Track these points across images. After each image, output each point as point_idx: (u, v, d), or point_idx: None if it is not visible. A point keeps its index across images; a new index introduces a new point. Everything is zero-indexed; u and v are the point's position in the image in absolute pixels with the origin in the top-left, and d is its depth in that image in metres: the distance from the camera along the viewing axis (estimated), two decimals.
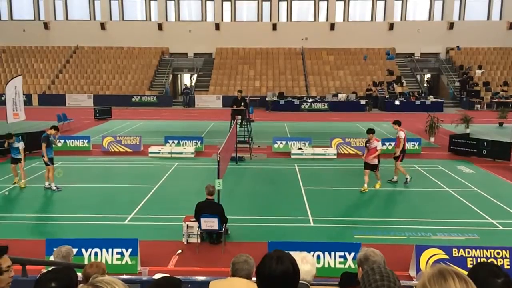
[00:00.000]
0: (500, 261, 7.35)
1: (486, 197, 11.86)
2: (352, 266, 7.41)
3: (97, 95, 35.92)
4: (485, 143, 16.55)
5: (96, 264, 4.50)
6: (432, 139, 19.73)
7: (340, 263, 7.53)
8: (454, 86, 37.34)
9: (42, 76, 38.15)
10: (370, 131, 12.30)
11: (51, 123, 23.28)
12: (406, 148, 13.28)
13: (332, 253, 7.55)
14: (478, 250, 7.47)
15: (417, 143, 17.74)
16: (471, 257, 7.41)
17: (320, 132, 21.67)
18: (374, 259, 3.46)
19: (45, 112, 29.00)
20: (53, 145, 12.85)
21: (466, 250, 7.48)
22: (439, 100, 33.98)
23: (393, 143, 17.61)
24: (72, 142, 17.83)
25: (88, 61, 40.02)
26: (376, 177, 12.50)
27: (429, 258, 7.42)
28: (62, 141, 17.43)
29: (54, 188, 12.28)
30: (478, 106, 33.55)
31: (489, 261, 7.29)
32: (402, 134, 12.71)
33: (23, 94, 23.71)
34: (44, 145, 12.26)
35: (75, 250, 7.33)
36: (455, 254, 7.44)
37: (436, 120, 19.71)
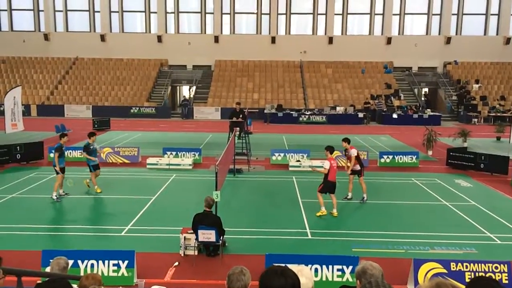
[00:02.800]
0: (499, 276, 7.33)
1: (484, 211, 11.86)
2: (350, 279, 7.38)
3: (96, 106, 35.96)
4: (482, 157, 16.58)
5: (92, 276, 4.48)
6: (430, 153, 19.77)
7: (338, 276, 7.49)
8: (452, 100, 37.53)
9: (41, 87, 38.22)
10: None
11: (49, 134, 23.36)
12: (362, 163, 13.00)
13: (330, 266, 7.52)
14: (476, 264, 7.45)
15: (415, 156, 17.78)
16: (469, 271, 7.39)
17: (318, 145, 21.68)
18: (371, 272, 3.46)
19: (44, 123, 29.00)
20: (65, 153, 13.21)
21: (464, 264, 7.45)
22: (436, 113, 34.14)
23: (390, 157, 17.70)
24: (70, 153, 17.76)
25: (87, 72, 40.15)
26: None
27: (427, 272, 7.40)
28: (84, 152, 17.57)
29: (55, 197, 12.25)
30: (476, 120, 33.68)
31: (487, 275, 7.27)
32: (354, 152, 12.58)
33: (22, 105, 23.78)
34: (57, 154, 12.35)
35: (71, 262, 7.28)
36: (453, 268, 7.42)
37: (433, 133, 19.77)
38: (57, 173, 12.41)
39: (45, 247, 7.97)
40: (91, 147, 12.84)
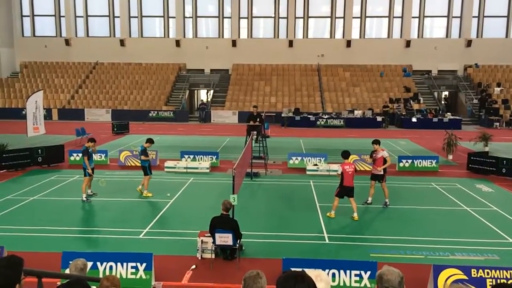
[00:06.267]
0: None
1: (506, 216, 11.61)
2: (368, 285, 7.30)
3: (115, 110, 36.44)
4: (504, 161, 16.26)
5: (111, 278, 4.52)
6: (450, 157, 19.47)
7: (355, 281, 7.41)
8: (473, 103, 36.93)
9: (62, 91, 38.92)
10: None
11: (70, 137, 23.77)
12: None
13: (348, 272, 7.44)
14: (498, 271, 7.29)
15: (435, 160, 17.52)
16: (490, 278, 7.24)
17: (335, 149, 21.55)
18: (387, 277, 3.43)
19: (64, 126, 29.51)
20: (93, 155, 13.40)
21: (486, 270, 7.30)
22: (457, 117, 33.60)
23: (410, 161, 17.49)
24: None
25: (107, 77, 40.76)
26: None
27: (447, 279, 7.27)
28: (102, 155, 17.97)
29: (85, 199, 12.64)
30: (497, 124, 33.07)
31: (509, 282, 7.11)
32: (385, 153, 12.42)
33: (44, 109, 24.22)
34: (86, 157, 12.70)
35: (90, 264, 7.38)
36: (474, 274, 7.28)
37: (454, 137, 19.47)
38: (89, 174, 12.77)
39: (66, 249, 8.08)
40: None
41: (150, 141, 13.68)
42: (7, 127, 29.34)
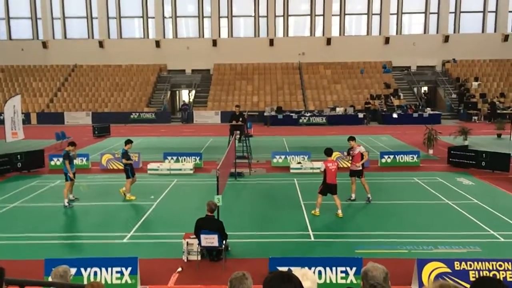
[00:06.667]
0: (503, 274, 7.31)
1: (486, 208, 11.83)
2: (354, 281, 7.36)
3: (96, 112, 36.00)
4: (484, 154, 16.57)
5: (96, 284, 4.45)
6: (431, 151, 19.76)
7: (341, 278, 7.46)
8: (451, 98, 37.54)
9: (41, 95, 38.27)
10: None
11: (50, 141, 23.38)
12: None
13: (334, 269, 7.49)
14: (480, 263, 7.43)
15: (416, 155, 17.76)
16: (473, 270, 7.36)
17: (318, 146, 21.67)
18: (372, 274, 3.46)
19: (44, 131, 29.02)
20: (74, 160, 13.20)
21: (468, 263, 7.43)
22: (436, 112, 34.14)
23: (391, 157, 17.69)
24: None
25: (86, 79, 40.22)
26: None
27: (431, 272, 7.37)
28: (84, 158, 17.73)
29: (66, 204, 12.43)
30: (476, 118, 33.68)
31: (491, 273, 7.25)
32: (362, 149, 12.58)
33: (22, 113, 23.79)
34: (67, 162, 12.51)
35: (74, 270, 7.27)
36: (457, 267, 7.39)
37: (434, 132, 19.76)
38: (70, 179, 12.56)
39: (48, 256, 7.95)
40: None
41: (129, 142, 13.50)
42: None
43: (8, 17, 42.12)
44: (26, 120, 32.35)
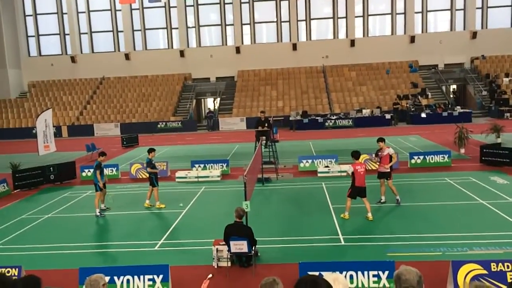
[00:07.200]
0: None
1: None
2: (387, 285, 7.21)
3: (124, 123, 36.71)
4: None
5: None
6: (462, 151, 19.26)
7: (374, 282, 7.33)
8: (482, 95, 36.59)
9: (71, 108, 39.31)
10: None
11: (81, 153, 23.94)
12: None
13: (365, 273, 7.36)
14: None
15: (447, 155, 17.35)
16: (511, 271, 7.11)
17: (346, 149, 21.46)
18: (405, 277, 3.39)
19: (75, 143, 29.76)
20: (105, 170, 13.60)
21: (506, 264, 7.18)
22: (467, 110, 33.30)
23: (421, 157, 17.34)
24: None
25: (114, 91, 41.10)
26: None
27: (467, 274, 7.15)
28: (113, 168, 18.16)
29: (98, 214, 12.69)
30: (508, 114, 32.71)
31: None
32: (391, 150, 12.33)
33: (53, 126, 24.46)
34: (98, 172, 12.77)
35: (107, 278, 7.38)
36: (494, 268, 7.15)
37: (465, 131, 19.27)
38: (100, 189, 12.80)
39: (82, 265, 8.11)
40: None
41: (152, 150, 13.59)
42: (18, 146, 29.68)
43: (38, 34, 43.53)
44: (58, 133, 33.27)
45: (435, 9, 41.02)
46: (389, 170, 12.24)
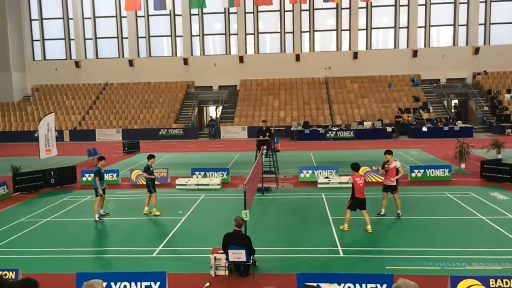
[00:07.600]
0: None
1: None
2: None
3: (126, 129, 36.77)
4: None
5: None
6: (463, 165, 19.26)
7: None
8: (483, 111, 36.65)
9: (74, 113, 39.41)
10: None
11: (81, 158, 23.96)
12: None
13: (364, 285, 7.33)
14: None
15: (448, 169, 17.35)
16: (509, 287, 7.08)
17: (346, 161, 21.45)
18: None
19: (76, 148, 29.80)
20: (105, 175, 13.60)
21: (504, 280, 7.16)
22: (468, 125, 33.32)
23: (422, 171, 17.34)
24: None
25: (117, 97, 41.22)
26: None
27: None
28: (114, 174, 18.22)
29: (97, 219, 12.68)
30: (509, 130, 32.72)
31: None
32: (398, 164, 12.32)
33: (55, 130, 24.50)
34: (97, 178, 12.78)
35: (104, 284, 7.36)
36: (493, 285, 7.14)
37: (466, 145, 19.29)
38: (99, 195, 12.79)
39: (80, 270, 8.10)
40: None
41: (152, 156, 13.59)
42: (20, 149, 29.73)
43: (43, 39, 43.80)
44: (59, 137, 33.31)
45: (438, 24, 41.21)
46: (395, 183, 12.19)
